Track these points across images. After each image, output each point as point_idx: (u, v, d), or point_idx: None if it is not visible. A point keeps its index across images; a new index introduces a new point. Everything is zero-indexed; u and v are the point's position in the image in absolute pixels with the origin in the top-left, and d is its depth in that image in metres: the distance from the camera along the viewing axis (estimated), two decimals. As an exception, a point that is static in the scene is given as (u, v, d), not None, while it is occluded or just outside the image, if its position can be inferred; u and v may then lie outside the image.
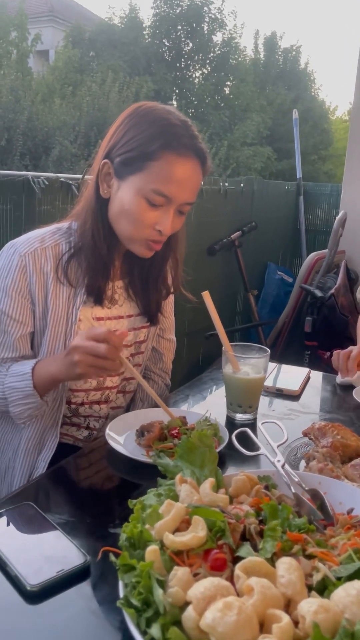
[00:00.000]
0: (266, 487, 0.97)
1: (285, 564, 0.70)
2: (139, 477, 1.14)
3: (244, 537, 0.81)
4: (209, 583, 0.66)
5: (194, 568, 0.73)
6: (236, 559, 0.74)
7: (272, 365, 1.86)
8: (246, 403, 1.43)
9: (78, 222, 1.40)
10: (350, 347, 1.77)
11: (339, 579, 0.73)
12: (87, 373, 1.21)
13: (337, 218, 3.69)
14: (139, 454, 1.16)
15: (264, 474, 1.02)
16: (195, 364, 3.31)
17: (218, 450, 1.19)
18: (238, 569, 0.69)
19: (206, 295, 1.39)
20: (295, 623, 0.64)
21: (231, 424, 1.42)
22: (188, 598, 0.65)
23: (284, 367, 1.87)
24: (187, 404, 1.57)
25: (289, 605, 0.67)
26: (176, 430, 1.21)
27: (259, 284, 4.22)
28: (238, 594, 0.67)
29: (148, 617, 0.65)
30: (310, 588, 0.72)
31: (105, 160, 1.32)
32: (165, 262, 1.55)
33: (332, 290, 3.61)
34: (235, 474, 1.00)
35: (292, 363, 1.95)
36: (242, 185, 3.74)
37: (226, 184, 3.40)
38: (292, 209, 4.81)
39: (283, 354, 3.93)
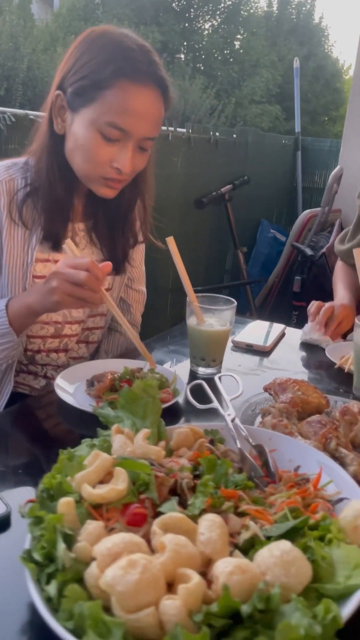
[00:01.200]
0: (211, 442, 0.91)
1: (207, 521, 0.64)
2: (86, 428, 1.07)
3: (176, 492, 0.76)
4: (119, 539, 0.60)
5: (110, 523, 0.67)
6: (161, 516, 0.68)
7: (248, 322, 1.79)
8: (209, 356, 1.36)
9: (34, 160, 1.30)
10: (331, 304, 1.69)
11: (269, 538, 0.67)
12: (64, 302, 1.12)
13: (333, 173, 3.55)
14: (87, 405, 1.10)
15: (212, 428, 0.96)
16: (179, 321, 3.23)
17: (171, 402, 1.13)
18: (156, 525, 0.63)
19: (170, 242, 1.30)
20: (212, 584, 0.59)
21: (194, 378, 1.35)
22: (93, 554, 0.59)
23: (259, 322, 1.80)
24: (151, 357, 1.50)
25: (209, 565, 0.62)
26: (128, 381, 1.15)
27: (251, 242, 4.11)
28: (154, 553, 0.62)
29: (49, 572, 0.59)
30: (237, 548, 0.67)
31: (58, 91, 1.21)
32: (132, 206, 1.45)
33: (324, 250, 3.50)
34: (180, 426, 0.94)
35: (281, 323, 1.87)
36: (234, 135, 3.57)
37: (217, 134, 3.23)
38: (289, 165, 4.63)
39: (272, 314, 3.86)
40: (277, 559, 0.59)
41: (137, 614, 0.53)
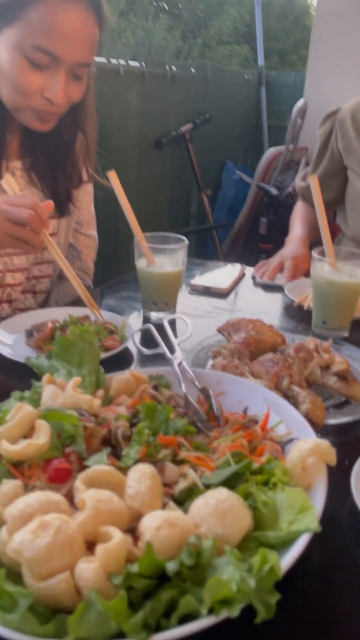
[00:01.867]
0: (155, 387, 0.84)
1: (136, 472, 0.58)
2: (23, 381, 1.00)
3: (112, 444, 0.69)
4: (33, 498, 0.53)
5: (31, 481, 0.60)
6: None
7: (208, 265, 1.70)
8: (161, 300, 1.28)
9: None
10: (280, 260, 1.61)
11: (209, 487, 0.62)
12: (3, 242, 1.02)
13: (296, 107, 3.39)
14: (24, 356, 1.02)
15: (157, 374, 0.89)
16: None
17: (118, 349, 1.06)
18: (79, 481, 0.57)
19: (112, 176, 1.19)
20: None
21: (145, 323, 1.27)
22: (3, 516, 0.53)
23: (218, 264, 1.71)
24: (101, 307, 1.41)
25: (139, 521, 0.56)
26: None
27: (216, 185, 3.97)
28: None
29: None
30: (173, 499, 0.61)
31: None
32: (73, 141, 1.32)
33: (290, 189, 3.40)
34: (122, 372, 0.87)
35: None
36: (193, 70, 3.36)
37: (173, 68, 3.03)
38: (253, 102, 4.42)
39: (240, 259, 3.78)
40: (212, 509, 0.54)
41: (49, 581, 0.46)
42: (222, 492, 0.55)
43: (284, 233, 1.86)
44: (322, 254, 1.20)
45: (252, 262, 1.74)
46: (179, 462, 0.66)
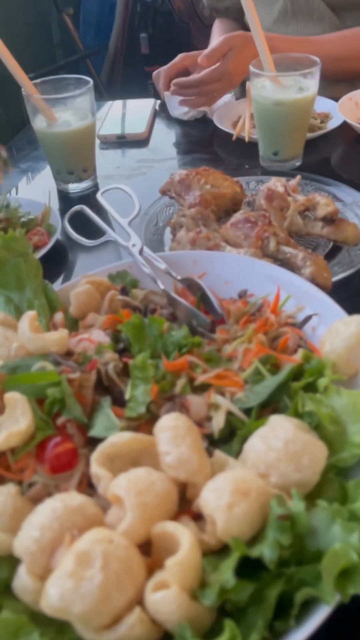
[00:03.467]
0: (123, 291, 0.66)
1: (167, 430, 0.43)
2: None
3: (103, 386, 0.53)
4: (48, 515, 0.38)
5: (26, 477, 0.44)
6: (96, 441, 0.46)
7: (105, 108, 1.40)
8: (77, 166, 1.02)
9: None
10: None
11: (248, 412, 0.49)
12: None
13: None
14: None
15: (117, 270, 0.70)
16: (20, 127, 2.64)
17: (49, 246, 0.84)
18: (96, 464, 0.41)
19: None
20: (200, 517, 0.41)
21: (67, 202, 1.03)
22: (15, 552, 0.37)
23: (117, 104, 1.41)
24: None
25: (188, 490, 0.43)
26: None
27: (75, 0, 3.28)
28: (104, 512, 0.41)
29: None
30: (211, 442, 0.48)
31: None
32: None
33: (165, -9, 2.87)
34: (74, 282, 0.68)
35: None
36: None
37: None
38: None
39: (124, 90, 3.31)
40: (281, 452, 0.41)
41: (117, 630, 0.34)
42: (286, 427, 0.42)
43: (167, 48, 1.55)
44: (260, 67, 0.97)
45: (138, 92, 1.46)
46: (196, 389, 0.52)
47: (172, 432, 0.43)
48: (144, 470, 0.41)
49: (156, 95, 1.39)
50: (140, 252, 0.71)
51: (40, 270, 0.65)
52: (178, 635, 0.33)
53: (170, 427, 0.43)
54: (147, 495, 0.38)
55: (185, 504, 0.43)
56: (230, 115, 1.24)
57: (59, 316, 0.62)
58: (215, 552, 0.39)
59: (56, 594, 0.33)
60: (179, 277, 0.66)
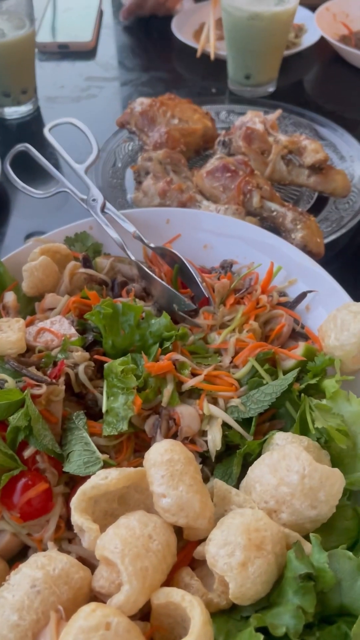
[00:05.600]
0: (85, 262, 0.56)
1: (160, 466, 0.36)
2: None
3: (74, 393, 0.44)
4: (27, 591, 0.31)
5: (-9, 527, 0.36)
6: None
7: (39, 4, 1.17)
8: (15, 86, 0.85)
9: None
10: None
11: (247, 422, 0.43)
12: None
13: None
14: None
15: (75, 232, 0.59)
16: None
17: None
18: (77, 513, 0.34)
19: None
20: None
21: (2, 129, 0.87)
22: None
23: (56, 1, 1.19)
24: None
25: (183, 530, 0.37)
26: None
27: None
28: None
29: None
30: (205, 459, 0.42)
31: None
32: None
33: None
34: (24, 248, 0.56)
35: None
36: None
37: None
38: None
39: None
40: (296, 488, 0.36)
41: None
42: (302, 459, 0.36)
43: None
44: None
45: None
46: (184, 393, 0.45)
47: (168, 469, 0.36)
48: (137, 520, 0.34)
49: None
50: (102, 208, 0.60)
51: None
52: None
53: (164, 461, 0.36)
54: (145, 559, 0.32)
55: (181, 540, 0.37)
56: (191, 22, 1.07)
57: (10, 296, 0.52)
58: (225, 611, 0.34)
59: None
60: (151, 245, 0.56)
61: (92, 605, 0.30)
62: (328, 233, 0.64)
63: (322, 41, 0.99)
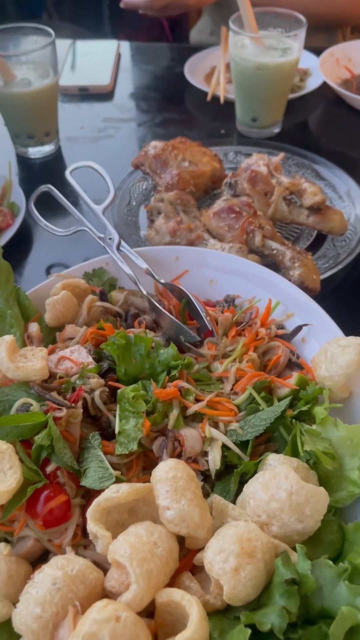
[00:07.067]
0: (102, 296, 0.62)
1: (165, 482, 0.41)
2: None
3: (90, 415, 0.50)
4: (49, 588, 0.36)
5: (17, 530, 0.42)
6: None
7: (61, 48, 1.26)
8: (39, 129, 0.93)
9: None
10: None
11: (245, 444, 0.48)
12: None
13: None
14: None
15: (93, 268, 0.65)
16: None
17: (14, 228, 0.77)
18: (92, 522, 0.39)
19: None
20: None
21: (25, 167, 0.94)
22: (16, 628, 0.36)
23: (77, 46, 1.28)
24: None
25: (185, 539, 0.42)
26: None
27: None
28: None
29: None
30: (206, 476, 0.47)
31: None
32: None
33: None
34: (47, 283, 0.62)
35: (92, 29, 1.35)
36: None
37: None
38: None
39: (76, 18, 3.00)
40: (284, 504, 0.40)
41: None
42: (290, 478, 0.41)
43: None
44: (240, 24, 0.88)
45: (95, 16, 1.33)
46: (188, 417, 0.50)
47: (172, 485, 0.41)
48: (144, 529, 0.39)
49: (112, 18, 1.26)
50: (118, 246, 0.66)
51: (11, 275, 0.59)
52: None
53: (169, 478, 0.41)
54: (150, 562, 0.37)
55: (183, 548, 0.42)
56: (203, 65, 1.15)
57: (34, 327, 0.57)
58: (220, 611, 0.39)
59: None
60: (162, 281, 0.62)
61: (105, 601, 0.35)
62: (325, 269, 0.69)
63: (326, 85, 1.06)
